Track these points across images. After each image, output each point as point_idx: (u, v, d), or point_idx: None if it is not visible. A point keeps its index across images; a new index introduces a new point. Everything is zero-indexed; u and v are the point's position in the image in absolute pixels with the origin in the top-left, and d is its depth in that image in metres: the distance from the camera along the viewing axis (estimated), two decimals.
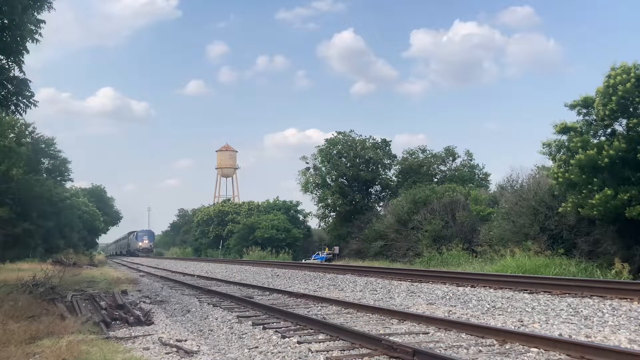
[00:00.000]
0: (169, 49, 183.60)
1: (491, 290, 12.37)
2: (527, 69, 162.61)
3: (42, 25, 14.13)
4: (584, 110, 20.61)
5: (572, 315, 9.00)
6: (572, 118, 21.27)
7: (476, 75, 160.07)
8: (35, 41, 13.99)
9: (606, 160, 18.57)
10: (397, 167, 49.70)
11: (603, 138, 19.92)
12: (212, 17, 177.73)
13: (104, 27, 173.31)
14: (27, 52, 14.15)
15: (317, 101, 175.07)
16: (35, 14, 13.93)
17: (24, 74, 14.38)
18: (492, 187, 41.17)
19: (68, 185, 54.85)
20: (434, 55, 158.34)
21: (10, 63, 14.15)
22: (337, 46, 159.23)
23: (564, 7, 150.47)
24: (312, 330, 8.13)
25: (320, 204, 49.03)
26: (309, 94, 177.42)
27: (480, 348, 6.66)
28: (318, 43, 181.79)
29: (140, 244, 75.91)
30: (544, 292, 11.51)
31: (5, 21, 13.47)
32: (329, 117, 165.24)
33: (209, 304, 12.33)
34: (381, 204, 48.89)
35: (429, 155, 49.43)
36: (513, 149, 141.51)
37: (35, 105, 14.98)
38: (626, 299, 9.98)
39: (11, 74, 14.37)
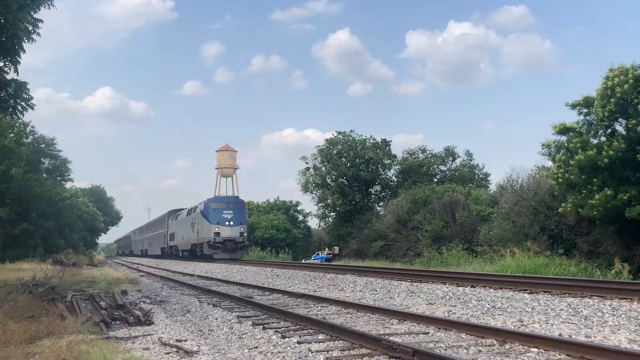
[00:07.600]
0: (166, 49, 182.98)
1: (491, 290, 12.36)
2: (523, 70, 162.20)
3: (39, 24, 14.04)
4: (585, 110, 20.61)
5: (572, 315, 8.99)
6: (573, 118, 21.36)
7: (473, 76, 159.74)
8: (31, 41, 13.90)
9: (606, 160, 18.57)
10: (397, 167, 49.76)
11: (603, 138, 19.92)
12: (207, 18, 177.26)
13: (100, 28, 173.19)
14: (24, 51, 14.08)
15: (314, 101, 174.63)
16: (32, 12, 13.83)
17: (17, 74, 14.35)
18: (492, 187, 41.26)
19: (68, 185, 54.98)
20: (430, 55, 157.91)
21: (7, 63, 14.08)
22: (333, 47, 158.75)
23: (560, 7, 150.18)
24: (312, 330, 8.12)
25: (320, 204, 49.14)
26: (305, 94, 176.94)
27: (480, 348, 6.66)
28: (314, 43, 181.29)
29: (217, 229, 35.09)
30: (544, 292, 11.50)
31: (1, 20, 13.39)
32: (326, 118, 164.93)
33: (208, 304, 12.32)
34: (381, 204, 48.94)
35: (429, 155, 49.48)
36: (510, 149, 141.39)
37: (32, 109, 14.99)
38: (626, 299, 9.98)
39: (8, 77, 14.32)
